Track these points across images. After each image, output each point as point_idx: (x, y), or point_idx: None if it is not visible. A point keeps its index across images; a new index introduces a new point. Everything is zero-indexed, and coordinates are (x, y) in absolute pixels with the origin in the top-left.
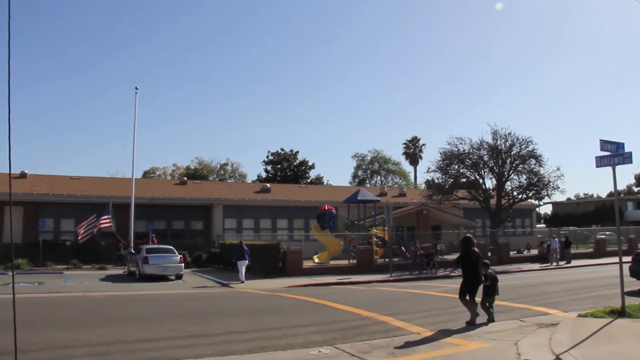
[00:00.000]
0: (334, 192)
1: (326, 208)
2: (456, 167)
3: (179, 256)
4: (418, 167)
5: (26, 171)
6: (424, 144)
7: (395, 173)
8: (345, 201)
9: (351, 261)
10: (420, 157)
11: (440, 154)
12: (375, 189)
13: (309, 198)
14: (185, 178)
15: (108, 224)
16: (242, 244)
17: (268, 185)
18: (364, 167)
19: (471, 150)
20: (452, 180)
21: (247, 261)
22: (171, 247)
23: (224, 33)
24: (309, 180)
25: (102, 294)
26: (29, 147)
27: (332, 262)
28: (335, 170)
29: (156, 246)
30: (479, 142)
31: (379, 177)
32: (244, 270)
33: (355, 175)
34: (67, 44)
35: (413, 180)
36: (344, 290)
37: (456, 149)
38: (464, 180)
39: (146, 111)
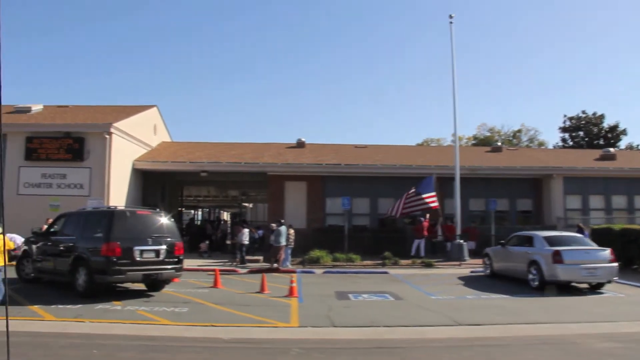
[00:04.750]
0: None
1: None
2: None
3: (608, 250)
4: None
5: (303, 139)
6: None
7: None
8: None
9: None
10: None
11: None
12: None
13: None
14: (500, 143)
15: (436, 203)
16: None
17: (611, 150)
18: None
19: None
20: None
21: None
22: (580, 236)
23: None
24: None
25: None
26: (304, 115)
27: None
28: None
29: (557, 234)
30: None
31: None
32: None
33: None
34: None
35: None
36: None
37: None
38: None
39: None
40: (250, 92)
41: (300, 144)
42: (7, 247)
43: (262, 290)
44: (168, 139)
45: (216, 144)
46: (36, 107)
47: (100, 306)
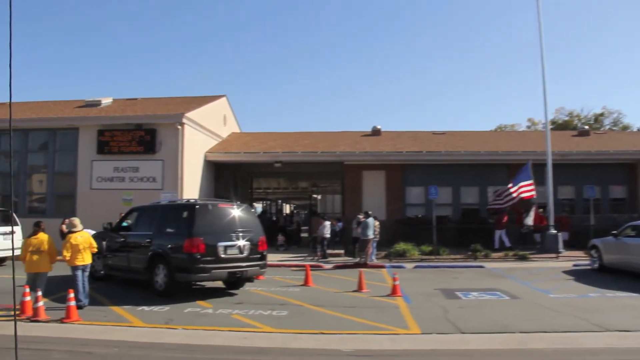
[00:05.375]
0: None
1: None
2: None
3: None
4: None
5: (379, 127)
6: None
7: None
8: None
9: None
10: None
11: None
12: None
13: None
14: (587, 127)
15: (532, 192)
16: None
17: None
18: None
19: None
20: None
21: None
22: None
23: None
24: None
25: None
26: (375, 103)
27: None
28: None
29: None
30: None
31: None
32: None
33: None
34: None
35: None
36: None
37: None
38: None
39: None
40: (319, 82)
41: (375, 132)
42: (91, 246)
43: (359, 289)
44: (237, 130)
45: (288, 133)
46: (106, 101)
47: (189, 309)
